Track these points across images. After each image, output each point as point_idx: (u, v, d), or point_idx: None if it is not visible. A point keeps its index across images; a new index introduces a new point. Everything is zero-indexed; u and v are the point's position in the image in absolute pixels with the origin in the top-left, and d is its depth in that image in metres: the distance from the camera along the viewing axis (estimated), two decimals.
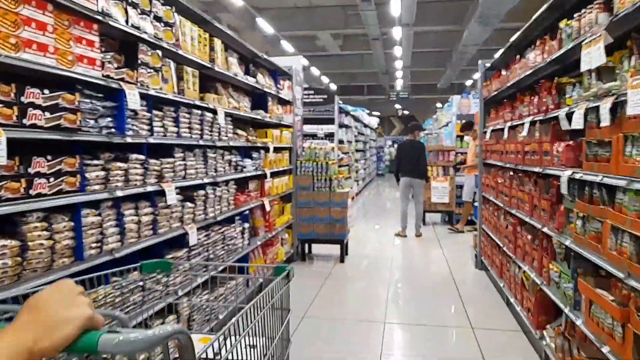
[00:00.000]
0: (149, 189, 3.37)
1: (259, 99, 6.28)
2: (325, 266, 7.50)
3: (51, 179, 2.46)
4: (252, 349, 1.48)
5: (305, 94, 12.15)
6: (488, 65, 6.71)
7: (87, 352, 0.75)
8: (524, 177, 4.74)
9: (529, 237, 4.52)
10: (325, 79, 25.62)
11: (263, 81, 6.15)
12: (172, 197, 3.61)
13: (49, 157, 2.46)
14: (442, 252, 8.48)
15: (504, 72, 5.62)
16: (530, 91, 4.66)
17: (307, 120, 12.03)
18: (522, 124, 4.61)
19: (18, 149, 2.36)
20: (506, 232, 5.37)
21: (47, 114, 2.42)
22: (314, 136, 12.14)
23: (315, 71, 22.86)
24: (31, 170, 2.34)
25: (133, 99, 3.10)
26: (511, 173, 5.28)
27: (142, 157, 3.28)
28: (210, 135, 4.47)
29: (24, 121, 2.29)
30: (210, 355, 1.14)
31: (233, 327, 1.21)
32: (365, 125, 20.44)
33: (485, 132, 6.71)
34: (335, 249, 7.85)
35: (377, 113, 31.38)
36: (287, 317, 1.75)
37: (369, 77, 26.87)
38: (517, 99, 5.02)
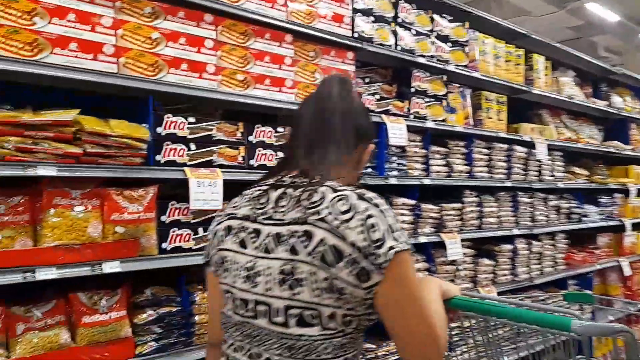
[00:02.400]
0: (422, 239, 2.81)
1: (615, 127, 4.84)
2: None
3: None
4: None
5: None
6: None
7: (561, 329, 1.05)
8: None
9: None
10: None
11: (621, 103, 4.70)
12: (455, 252, 2.93)
13: None
14: None
15: None
16: None
17: None
18: None
19: None
20: None
21: (281, 154, 2.21)
22: None
23: None
24: None
25: (397, 134, 2.63)
26: None
27: (410, 201, 2.76)
28: (524, 174, 3.55)
29: (251, 162, 2.13)
30: None
31: None
32: None
33: None
34: None
35: None
36: None
37: None
38: None
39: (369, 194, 0.99)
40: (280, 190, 1.04)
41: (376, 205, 0.97)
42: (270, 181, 1.08)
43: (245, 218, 1.06)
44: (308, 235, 0.95)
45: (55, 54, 1.67)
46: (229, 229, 1.08)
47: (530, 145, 3.59)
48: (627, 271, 4.57)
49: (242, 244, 1.04)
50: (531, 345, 1.33)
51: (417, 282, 0.98)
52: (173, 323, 1.86)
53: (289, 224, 0.98)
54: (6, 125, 1.56)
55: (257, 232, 1.03)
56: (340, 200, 0.96)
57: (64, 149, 1.65)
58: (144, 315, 1.81)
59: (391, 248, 0.93)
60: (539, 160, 3.66)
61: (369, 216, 0.94)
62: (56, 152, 1.64)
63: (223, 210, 1.15)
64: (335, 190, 0.99)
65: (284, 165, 1.12)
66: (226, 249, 1.06)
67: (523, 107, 3.94)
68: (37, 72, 1.62)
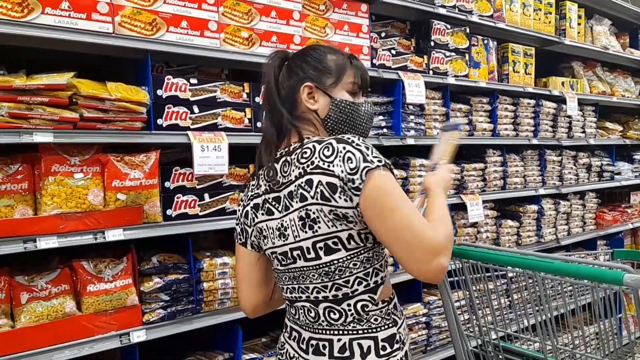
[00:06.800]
0: None
1: None
2: None
3: None
4: None
5: None
6: None
7: (613, 283, 1.14)
8: None
9: None
10: None
11: None
12: (477, 213, 2.81)
13: None
14: None
15: None
16: None
17: None
18: None
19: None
20: None
21: None
22: None
23: None
24: None
25: (415, 92, 2.49)
26: None
27: (429, 162, 2.63)
28: (553, 131, 3.37)
29: (259, 124, 2.04)
30: None
31: None
32: None
33: None
34: None
35: None
36: None
37: None
38: None
39: (348, 136, 1.16)
40: (281, 160, 1.22)
41: (352, 142, 1.13)
42: (273, 157, 1.25)
43: (266, 192, 1.24)
44: (309, 182, 1.14)
45: (46, 14, 1.59)
46: (256, 206, 1.26)
47: (560, 100, 3.39)
48: None
49: (270, 212, 1.23)
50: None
51: (397, 193, 1.12)
52: (180, 290, 1.83)
53: (295, 181, 1.17)
54: None
55: (277, 199, 1.21)
56: (325, 148, 1.15)
57: (59, 114, 1.59)
58: (151, 283, 1.78)
59: (364, 169, 1.10)
60: (569, 116, 3.46)
61: (347, 152, 1.12)
62: (52, 118, 1.58)
63: (245, 193, 1.33)
64: (320, 142, 1.17)
65: (270, 142, 1.26)
66: (260, 222, 1.25)
67: (553, 60, 3.71)
68: (26, 33, 1.55)
